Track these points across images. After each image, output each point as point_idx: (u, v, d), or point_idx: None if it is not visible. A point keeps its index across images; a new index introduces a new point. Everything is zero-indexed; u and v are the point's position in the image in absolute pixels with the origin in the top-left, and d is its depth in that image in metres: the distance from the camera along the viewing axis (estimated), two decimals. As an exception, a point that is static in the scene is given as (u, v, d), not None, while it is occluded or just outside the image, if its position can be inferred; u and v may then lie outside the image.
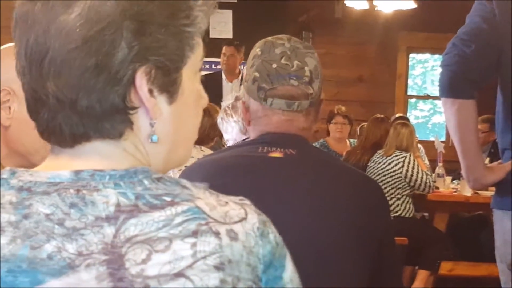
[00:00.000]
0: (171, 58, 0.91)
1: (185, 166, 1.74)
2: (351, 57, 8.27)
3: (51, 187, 0.87)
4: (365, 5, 7.29)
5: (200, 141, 3.98)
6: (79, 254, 0.82)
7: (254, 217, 0.89)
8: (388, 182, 5.54)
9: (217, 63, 7.43)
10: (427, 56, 9.08)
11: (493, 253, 2.49)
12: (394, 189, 5.55)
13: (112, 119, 0.89)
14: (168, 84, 0.92)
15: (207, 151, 3.98)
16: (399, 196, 5.57)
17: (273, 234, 0.91)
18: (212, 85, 6.54)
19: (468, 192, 5.62)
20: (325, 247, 1.60)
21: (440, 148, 6.21)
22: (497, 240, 2.45)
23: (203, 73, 6.79)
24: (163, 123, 0.93)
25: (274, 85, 1.70)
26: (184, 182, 0.91)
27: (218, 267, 0.84)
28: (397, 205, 5.57)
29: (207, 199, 0.89)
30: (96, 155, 0.91)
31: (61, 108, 0.89)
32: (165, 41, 0.90)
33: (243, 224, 0.88)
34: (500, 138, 2.42)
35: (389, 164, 5.57)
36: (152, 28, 0.89)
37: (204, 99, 1.01)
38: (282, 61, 1.71)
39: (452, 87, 2.33)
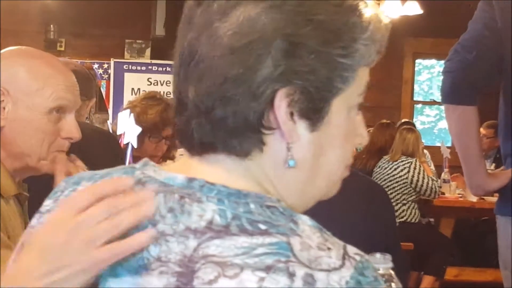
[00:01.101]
0: (318, 85, 0.87)
1: None
2: (357, 63, 8.27)
3: (161, 187, 0.87)
4: (371, 11, 7.29)
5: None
6: (157, 259, 0.83)
7: (348, 272, 0.82)
8: (394, 187, 5.53)
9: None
10: (433, 61, 9.08)
11: (498, 259, 2.49)
12: (400, 194, 5.55)
13: (243, 136, 0.87)
14: (310, 111, 0.87)
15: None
16: (404, 201, 5.57)
17: None
18: None
19: (473, 197, 5.61)
20: None
21: (446, 153, 6.21)
22: (501, 246, 2.45)
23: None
24: (301, 149, 0.89)
25: None
26: (301, 218, 0.87)
27: None
28: (403, 211, 5.56)
29: (307, 239, 0.84)
30: (218, 168, 0.89)
31: (197, 115, 0.88)
32: (314, 67, 0.86)
33: (329, 274, 0.81)
34: (503, 144, 2.42)
35: (395, 169, 5.57)
36: (303, 51, 0.85)
37: (361, 138, 0.96)
38: None
39: (454, 93, 2.34)
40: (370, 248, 1.67)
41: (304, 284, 0.80)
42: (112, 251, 0.82)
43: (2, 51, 1.73)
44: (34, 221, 0.95)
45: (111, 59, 7.68)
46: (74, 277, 0.83)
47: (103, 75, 7.91)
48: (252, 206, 0.85)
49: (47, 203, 0.95)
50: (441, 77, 2.40)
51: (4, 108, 1.64)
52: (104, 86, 7.71)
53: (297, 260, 0.81)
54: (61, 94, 1.67)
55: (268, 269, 0.80)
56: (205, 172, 0.89)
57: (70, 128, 1.70)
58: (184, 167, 0.91)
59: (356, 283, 0.82)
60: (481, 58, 2.28)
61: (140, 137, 3.07)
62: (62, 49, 8.11)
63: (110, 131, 3.69)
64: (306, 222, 0.86)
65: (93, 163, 2.42)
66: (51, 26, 8.10)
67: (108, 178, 0.91)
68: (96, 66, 7.73)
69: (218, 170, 0.89)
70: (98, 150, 2.53)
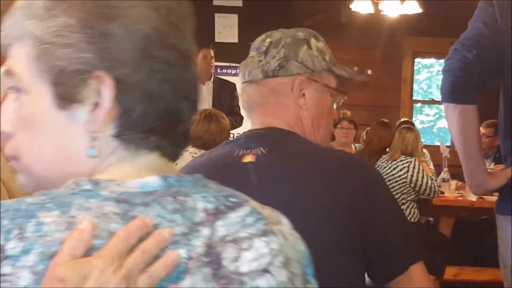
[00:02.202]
0: None
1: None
2: (356, 62, 8.25)
3: (148, 197, 0.87)
4: (371, 10, 7.30)
5: (207, 146, 4.00)
6: (189, 258, 0.85)
7: (285, 219, 0.96)
8: (393, 187, 5.53)
9: (223, 67, 7.43)
10: (432, 60, 9.08)
11: (498, 258, 2.49)
12: (399, 194, 5.54)
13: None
14: None
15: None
16: (404, 201, 5.56)
17: (298, 233, 0.96)
18: (224, 92, 6.53)
19: (473, 197, 5.61)
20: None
21: (445, 153, 6.20)
22: (501, 246, 2.45)
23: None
24: None
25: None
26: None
27: (285, 264, 0.89)
28: (402, 210, 5.55)
29: (252, 201, 0.94)
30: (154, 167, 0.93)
31: None
32: None
33: (283, 226, 0.94)
34: (503, 143, 2.41)
35: (394, 169, 5.56)
36: None
37: None
38: (259, 39, 1.77)
39: (454, 92, 2.33)
40: (346, 228, 1.54)
41: (284, 239, 0.91)
42: None
43: None
44: (7, 268, 0.80)
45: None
46: None
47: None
48: (210, 185, 0.94)
49: (12, 244, 0.80)
50: (441, 76, 2.40)
51: None
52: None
53: (268, 221, 0.91)
54: None
55: (265, 233, 0.89)
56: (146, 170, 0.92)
57: None
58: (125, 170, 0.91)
59: (292, 226, 0.96)
60: (481, 57, 2.27)
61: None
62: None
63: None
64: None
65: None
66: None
67: (76, 206, 0.84)
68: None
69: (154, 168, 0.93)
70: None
